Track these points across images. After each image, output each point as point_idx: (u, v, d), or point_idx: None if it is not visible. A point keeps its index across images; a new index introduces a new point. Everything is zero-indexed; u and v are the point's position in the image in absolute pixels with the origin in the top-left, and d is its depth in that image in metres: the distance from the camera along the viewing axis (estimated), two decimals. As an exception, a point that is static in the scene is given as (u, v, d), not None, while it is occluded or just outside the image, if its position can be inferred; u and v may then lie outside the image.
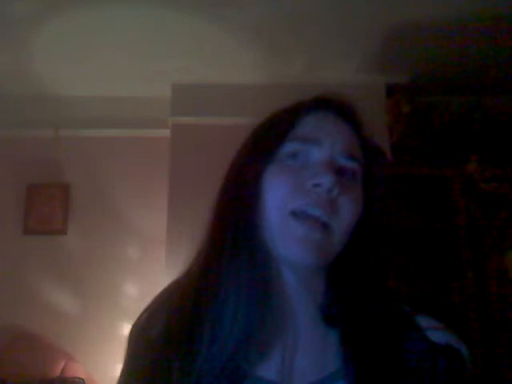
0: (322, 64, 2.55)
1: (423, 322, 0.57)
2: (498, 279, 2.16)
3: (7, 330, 2.47)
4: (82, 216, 2.75)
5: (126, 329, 2.37)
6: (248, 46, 2.41)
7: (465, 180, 2.24)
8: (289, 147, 0.56)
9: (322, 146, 0.56)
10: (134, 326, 0.62)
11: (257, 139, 0.62)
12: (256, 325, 0.51)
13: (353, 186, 0.56)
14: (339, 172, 0.55)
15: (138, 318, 0.62)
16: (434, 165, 2.27)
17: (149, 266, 2.54)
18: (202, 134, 2.55)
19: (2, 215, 2.75)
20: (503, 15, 2.16)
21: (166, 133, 2.65)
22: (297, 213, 0.53)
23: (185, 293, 0.56)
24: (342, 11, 2.16)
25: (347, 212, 0.54)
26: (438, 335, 0.55)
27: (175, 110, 2.67)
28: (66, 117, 2.83)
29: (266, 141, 0.59)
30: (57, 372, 2.38)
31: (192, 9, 2.15)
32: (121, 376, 0.60)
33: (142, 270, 2.57)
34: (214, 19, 2.22)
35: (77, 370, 2.39)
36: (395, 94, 2.57)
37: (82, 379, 2.34)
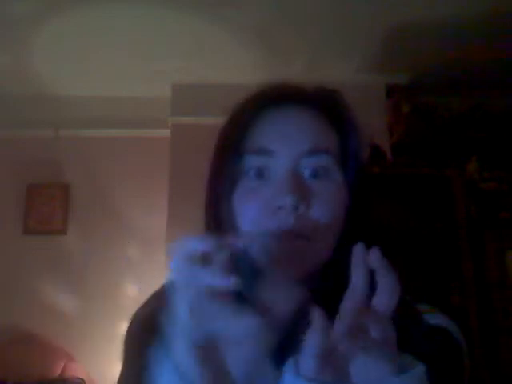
0: (322, 64, 2.55)
1: (420, 307, 0.57)
2: (497, 279, 2.16)
3: (7, 329, 2.47)
4: (82, 216, 2.75)
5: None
6: (248, 46, 2.41)
7: (465, 180, 2.24)
8: (249, 161, 0.54)
9: (278, 156, 0.53)
10: (138, 316, 0.61)
11: (219, 150, 0.59)
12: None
13: (325, 181, 0.54)
14: (305, 178, 0.53)
15: (142, 307, 0.60)
16: (434, 165, 2.27)
17: (149, 266, 2.54)
18: (202, 134, 2.53)
19: (2, 215, 2.74)
20: (503, 15, 2.16)
21: (166, 133, 2.65)
22: (270, 236, 0.52)
23: None
24: (342, 11, 2.16)
25: (323, 221, 0.52)
26: (434, 318, 0.56)
27: (175, 109, 2.67)
28: (66, 117, 2.83)
29: (226, 154, 0.56)
30: (57, 372, 2.38)
31: (192, 9, 2.15)
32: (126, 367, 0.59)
33: (142, 270, 2.57)
34: (214, 19, 2.22)
35: (77, 370, 2.39)
36: (395, 94, 2.57)
37: (82, 379, 2.34)
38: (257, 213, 0.53)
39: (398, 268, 0.42)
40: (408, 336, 0.43)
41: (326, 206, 0.53)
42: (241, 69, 2.52)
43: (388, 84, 2.64)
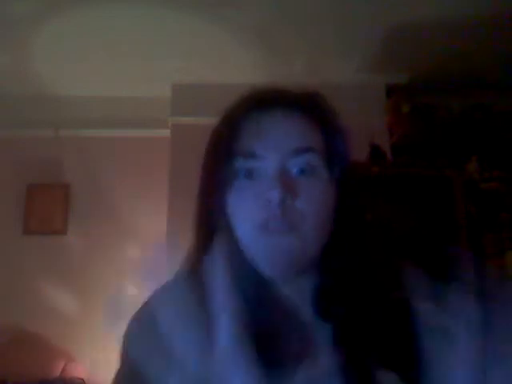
0: (322, 64, 2.55)
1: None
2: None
3: (7, 329, 2.47)
4: (82, 216, 2.75)
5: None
6: (248, 46, 2.41)
7: (465, 180, 2.24)
8: (239, 163, 0.56)
9: (265, 160, 0.56)
10: (136, 321, 0.60)
11: (211, 151, 0.63)
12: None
13: (312, 178, 0.56)
14: (293, 175, 0.55)
15: (140, 313, 0.61)
16: (434, 165, 2.27)
17: (149, 265, 2.53)
18: (202, 134, 2.53)
19: (2, 215, 2.75)
20: (503, 15, 2.16)
21: (166, 133, 2.65)
22: (261, 228, 0.54)
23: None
24: (342, 11, 2.16)
25: (310, 211, 0.54)
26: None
27: (175, 109, 2.67)
28: (66, 117, 2.83)
29: (217, 156, 0.59)
30: (57, 372, 2.39)
31: (192, 9, 2.15)
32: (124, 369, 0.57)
33: (142, 270, 2.57)
34: (214, 19, 2.22)
35: (77, 370, 2.39)
36: (395, 94, 2.57)
37: (82, 379, 2.34)
38: (248, 209, 0.55)
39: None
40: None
41: (312, 197, 0.55)
42: (241, 69, 2.52)
43: (388, 84, 2.64)
